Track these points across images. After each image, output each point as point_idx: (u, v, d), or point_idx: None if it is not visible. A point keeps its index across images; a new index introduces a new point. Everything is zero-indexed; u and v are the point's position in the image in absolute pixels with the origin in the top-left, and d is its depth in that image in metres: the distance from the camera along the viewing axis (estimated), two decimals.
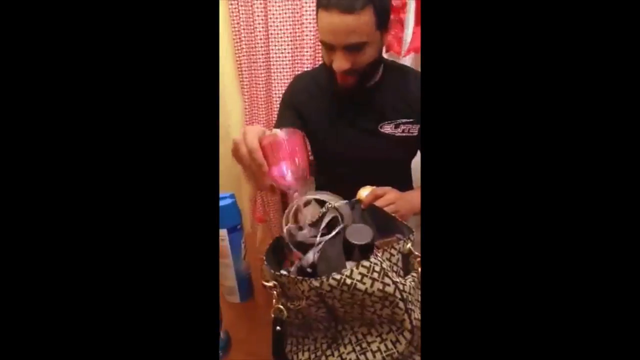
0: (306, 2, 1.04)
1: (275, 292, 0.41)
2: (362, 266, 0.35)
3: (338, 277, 0.35)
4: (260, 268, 0.64)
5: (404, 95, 0.78)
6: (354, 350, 0.38)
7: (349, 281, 0.35)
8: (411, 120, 0.78)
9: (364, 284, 0.35)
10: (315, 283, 0.36)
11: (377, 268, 0.35)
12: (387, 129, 0.78)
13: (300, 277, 0.37)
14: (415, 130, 0.78)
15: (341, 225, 0.49)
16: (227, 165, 0.78)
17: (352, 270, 0.35)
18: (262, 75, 1.17)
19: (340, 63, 0.67)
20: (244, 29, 1.15)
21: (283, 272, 0.40)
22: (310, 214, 1.02)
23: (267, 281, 0.42)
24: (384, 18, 0.67)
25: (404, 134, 0.79)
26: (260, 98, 1.20)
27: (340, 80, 0.71)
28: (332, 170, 0.87)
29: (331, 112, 0.81)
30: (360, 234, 0.41)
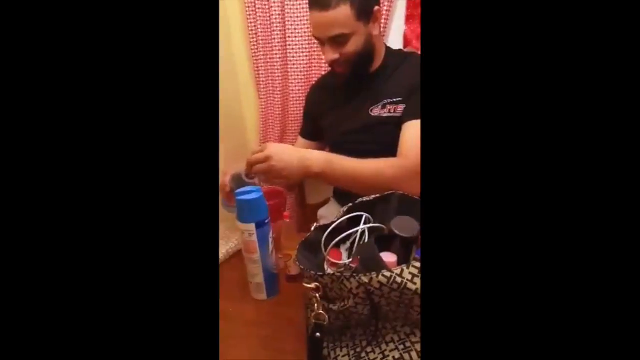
0: None
1: (317, 295, 0.41)
2: (414, 266, 0.35)
3: (388, 274, 0.36)
4: (286, 264, 0.64)
5: (400, 78, 0.80)
6: (396, 348, 0.39)
7: (399, 280, 0.35)
8: (397, 99, 0.78)
9: (415, 284, 0.35)
10: (365, 279, 0.36)
11: None
12: (376, 111, 0.81)
13: (347, 275, 0.38)
14: (400, 109, 0.78)
15: (366, 222, 0.50)
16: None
17: (402, 270, 0.36)
18: (279, 73, 1.18)
19: (328, 54, 0.76)
20: (260, 30, 1.15)
21: (330, 271, 0.40)
22: (330, 212, 1.02)
23: (308, 283, 0.41)
24: (365, 9, 0.73)
25: (390, 114, 0.79)
26: (277, 98, 1.21)
27: (336, 70, 0.81)
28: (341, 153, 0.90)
29: (336, 100, 0.89)
30: (406, 226, 0.41)
